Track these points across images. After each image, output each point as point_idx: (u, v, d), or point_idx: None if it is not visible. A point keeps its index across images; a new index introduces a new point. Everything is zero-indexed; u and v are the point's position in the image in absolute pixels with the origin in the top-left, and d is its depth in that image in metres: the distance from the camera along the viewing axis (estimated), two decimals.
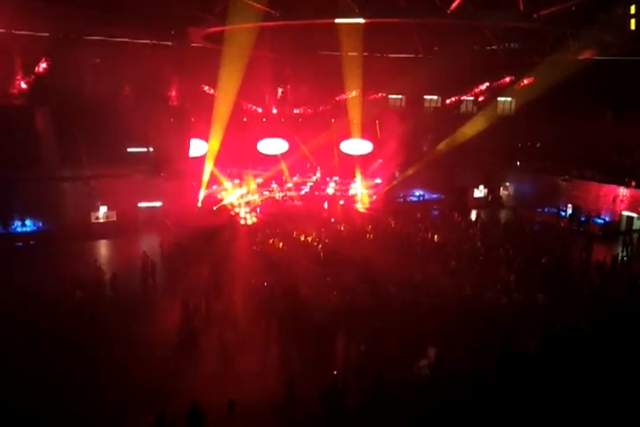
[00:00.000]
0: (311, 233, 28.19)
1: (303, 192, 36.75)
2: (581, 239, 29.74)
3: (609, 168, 34.39)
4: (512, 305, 20.02)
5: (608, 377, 14.62)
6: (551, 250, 26.86)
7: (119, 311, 19.86)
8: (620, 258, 26.96)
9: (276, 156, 36.72)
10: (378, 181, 37.88)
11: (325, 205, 35.19)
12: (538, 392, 13.95)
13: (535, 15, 24.88)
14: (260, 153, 37.11)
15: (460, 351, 16.29)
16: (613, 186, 32.96)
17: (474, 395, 13.90)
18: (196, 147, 33.09)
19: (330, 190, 36.79)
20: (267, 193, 35.71)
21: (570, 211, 34.42)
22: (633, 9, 27.70)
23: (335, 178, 37.51)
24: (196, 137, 33.70)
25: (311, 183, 37.74)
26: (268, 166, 37.25)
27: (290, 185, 36.34)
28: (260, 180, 35.92)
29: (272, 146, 36.63)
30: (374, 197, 36.53)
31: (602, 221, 32.92)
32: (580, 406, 13.52)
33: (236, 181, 35.11)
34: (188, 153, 33.46)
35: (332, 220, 31.68)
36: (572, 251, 27.01)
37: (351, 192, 36.81)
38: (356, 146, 36.17)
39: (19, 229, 29.10)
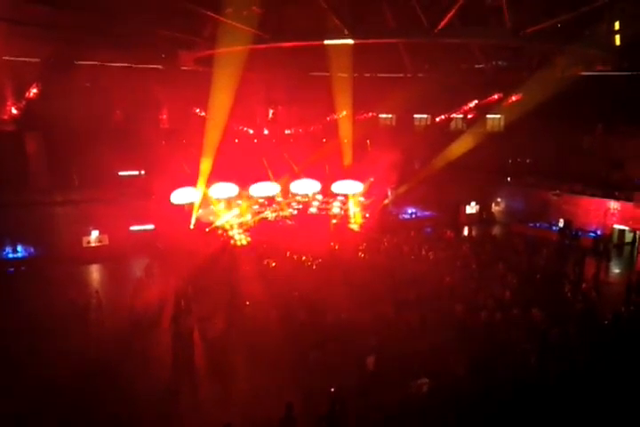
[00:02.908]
0: (304, 253, 28.09)
1: (296, 212, 36.66)
2: (573, 253, 29.79)
3: (599, 182, 34.62)
4: (507, 321, 19.93)
5: (605, 389, 14.56)
6: (544, 265, 26.93)
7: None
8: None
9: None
10: (370, 199, 37.88)
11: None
12: (539, 408, 13.86)
13: (522, 33, 25.27)
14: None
15: (457, 369, 16.14)
16: (604, 199, 33.15)
17: (473, 413, 13.78)
18: (185, 194, 32.63)
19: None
20: (259, 213, 35.61)
21: (561, 225, 34.53)
22: (617, 25, 28.28)
23: (319, 196, 37.25)
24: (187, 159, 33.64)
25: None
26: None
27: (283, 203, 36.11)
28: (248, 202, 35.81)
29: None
30: (367, 215, 36.49)
31: (593, 235, 33.04)
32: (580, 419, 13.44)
33: (228, 203, 34.99)
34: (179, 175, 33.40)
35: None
36: (565, 265, 27.05)
37: (339, 210, 36.66)
38: (347, 186, 36.30)
39: (10, 255, 28.83)
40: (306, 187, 36.24)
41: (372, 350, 16.89)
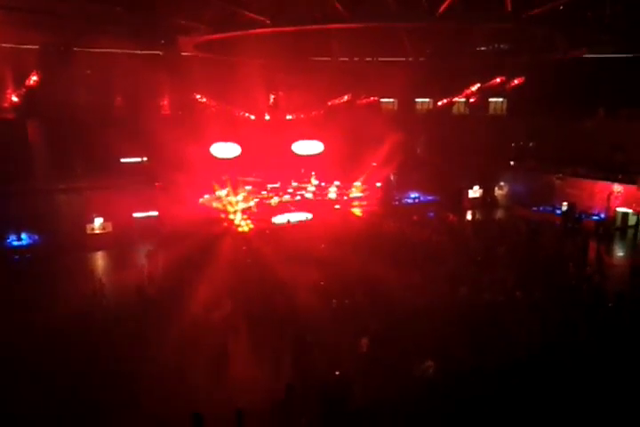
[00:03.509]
0: (307, 238, 28.18)
1: (298, 198, 36.80)
2: (577, 237, 29.81)
3: (602, 165, 34.53)
4: (511, 304, 20.03)
5: (609, 374, 14.68)
6: (547, 248, 26.97)
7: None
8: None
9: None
10: (378, 184, 37.96)
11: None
12: (543, 391, 13.99)
13: (524, 15, 25.07)
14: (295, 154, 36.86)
15: (461, 352, 16.27)
16: (607, 182, 33.08)
17: (477, 396, 13.92)
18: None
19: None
20: (261, 199, 35.75)
21: (564, 208, 34.51)
22: (619, 7, 28.01)
23: (314, 181, 37.35)
24: (190, 145, 33.69)
25: (312, 188, 37.77)
26: (263, 173, 37.32)
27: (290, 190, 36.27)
28: (252, 186, 35.94)
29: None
30: (368, 200, 36.56)
31: (597, 218, 33.03)
32: (582, 405, 13.56)
33: (231, 189, 35.13)
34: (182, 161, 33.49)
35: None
36: (568, 248, 27.08)
37: (335, 195, 36.82)
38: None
39: (14, 243, 29.01)
40: (308, 147, 36.24)
41: (371, 332, 17.05)
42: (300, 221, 32.42)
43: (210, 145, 34.21)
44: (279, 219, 32.66)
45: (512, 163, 40.93)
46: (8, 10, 25.03)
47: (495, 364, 15.54)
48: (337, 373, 14.71)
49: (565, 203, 34.47)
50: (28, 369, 16.15)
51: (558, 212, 34.99)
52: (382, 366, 15.65)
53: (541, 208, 36.38)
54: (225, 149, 33.83)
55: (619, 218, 32.90)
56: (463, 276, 22.77)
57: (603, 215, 33.05)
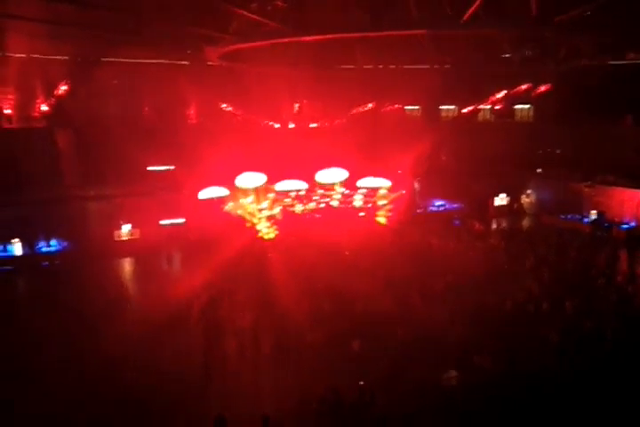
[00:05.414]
0: (332, 246, 28.20)
1: (323, 205, 36.73)
2: (606, 246, 29.25)
3: (632, 172, 33.88)
4: (538, 314, 19.73)
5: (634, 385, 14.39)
6: (576, 258, 26.53)
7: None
8: None
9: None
10: (403, 191, 37.72)
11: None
12: (569, 401, 13.77)
13: (550, 22, 24.83)
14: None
15: (487, 362, 16.06)
16: (637, 190, 32.43)
17: (503, 406, 13.74)
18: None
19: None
20: (287, 207, 35.78)
21: (593, 217, 33.93)
22: None
23: (340, 189, 37.26)
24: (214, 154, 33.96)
25: (338, 195, 37.66)
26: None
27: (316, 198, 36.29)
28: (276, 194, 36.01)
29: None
30: (394, 207, 36.34)
31: (627, 227, 32.39)
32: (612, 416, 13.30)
33: (257, 196, 35.25)
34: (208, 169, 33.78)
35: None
36: (597, 258, 26.58)
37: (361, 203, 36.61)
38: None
39: (44, 249, 29.56)
40: (332, 176, 36.18)
41: (398, 340, 16.96)
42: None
43: (234, 153, 34.40)
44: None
45: (539, 170, 40.41)
46: (39, 22, 25.69)
47: (522, 374, 15.32)
48: (361, 382, 14.68)
49: (594, 211, 33.90)
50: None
51: (586, 220, 34.41)
52: (407, 375, 15.54)
53: (569, 216, 35.80)
54: (251, 179, 34.06)
55: None
56: (490, 285, 22.53)
57: (633, 224, 32.39)
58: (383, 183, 35.22)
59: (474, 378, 15.03)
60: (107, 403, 14.87)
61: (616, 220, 32.95)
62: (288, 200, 36.18)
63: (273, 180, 36.57)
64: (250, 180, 33.60)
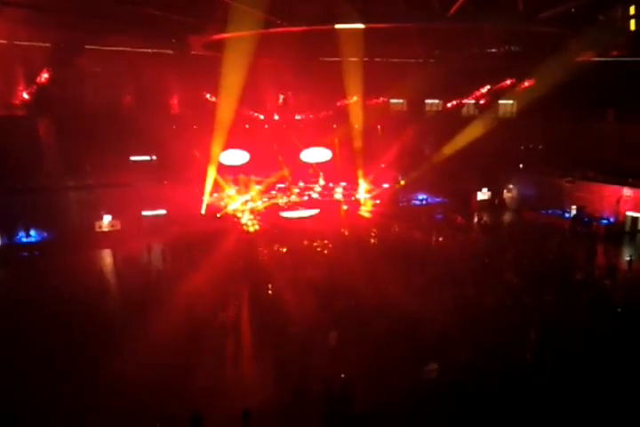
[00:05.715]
0: (315, 238, 28.21)
1: (305, 198, 36.71)
2: (585, 241, 29.60)
3: (612, 168, 34.27)
4: (517, 307, 19.92)
5: (615, 378, 14.60)
6: (556, 252, 26.82)
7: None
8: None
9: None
10: (385, 185, 37.80)
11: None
12: (547, 393, 13.93)
13: (535, 17, 24.95)
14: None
15: (466, 355, 16.19)
16: (617, 186, 32.84)
17: (480, 399, 13.88)
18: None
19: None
20: (270, 199, 35.71)
21: (574, 212, 34.30)
22: (632, 10, 27.82)
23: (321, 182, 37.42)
24: (197, 144, 33.70)
25: (319, 189, 37.66)
26: (271, 173, 37.28)
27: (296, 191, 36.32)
28: (261, 186, 35.95)
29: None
30: (377, 201, 36.44)
31: (606, 222, 32.80)
32: (587, 407, 13.51)
33: (239, 188, 35.12)
34: (191, 160, 33.52)
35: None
36: (577, 252, 26.90)
37: (341, 196, 36.78)
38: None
39: (23, 240, 29.14)
40: (316, 155, 36.25)
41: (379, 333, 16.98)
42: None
43: (219, 144, 34.19)
44: (288, 214, 32.80)
45: (521, 166, 40.71)
46: (19, 7, 25.18)
47: (500, 366, 15.48)
48: (342, 375, 14.71)
49: (574, 206, 34.27)
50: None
51: (567, 215, 34.78)
52: (387, 368, 15.62)
53: (550, 211, 36.15)
54: (234, 156, 33.98)
55: (628, 222, 32.62)
56: (470, 278, 22.69)
57: (612, 219, 32.81)
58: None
59: (453, 371, 15.16)
60: (90, 395, 14.73)
61: (596, 215, 33.34)
62: (273, 193, 36.21)
63: (255, 169, 36.50)
64: (233, 157, 33.56)
